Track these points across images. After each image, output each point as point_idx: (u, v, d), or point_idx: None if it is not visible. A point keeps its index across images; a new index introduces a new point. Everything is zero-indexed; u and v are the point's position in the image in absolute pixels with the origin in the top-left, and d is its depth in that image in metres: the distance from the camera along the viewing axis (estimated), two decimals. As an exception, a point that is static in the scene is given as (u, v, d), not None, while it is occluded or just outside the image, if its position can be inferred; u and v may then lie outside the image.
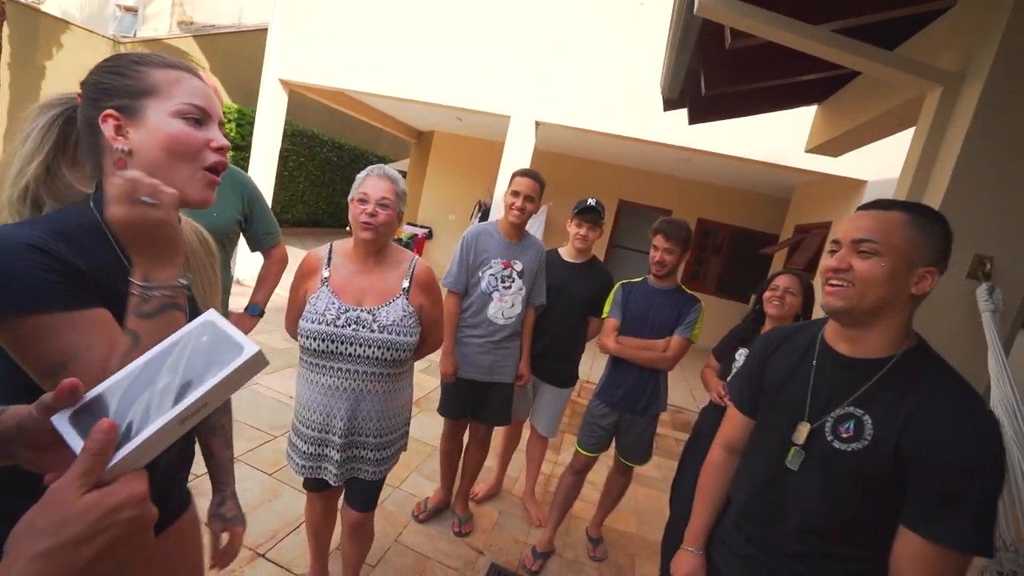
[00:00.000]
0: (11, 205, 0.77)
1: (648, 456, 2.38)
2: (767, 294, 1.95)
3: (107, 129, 0.73)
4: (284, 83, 6.11)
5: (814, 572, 0.98)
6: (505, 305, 2.26)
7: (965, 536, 0.82)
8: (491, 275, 2.26)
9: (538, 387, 2.57)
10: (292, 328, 1.64)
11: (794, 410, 1.02)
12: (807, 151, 3.45)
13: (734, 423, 1.21)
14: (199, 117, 0.77)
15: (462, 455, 2.54)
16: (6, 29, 6.14)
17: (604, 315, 2.36)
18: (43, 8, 7.49)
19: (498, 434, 2.66)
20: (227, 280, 1.87)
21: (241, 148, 7.86)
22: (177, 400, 0.49)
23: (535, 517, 2.68)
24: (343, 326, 1.49)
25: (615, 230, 8.80)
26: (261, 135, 6.20)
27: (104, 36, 8.14)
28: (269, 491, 2.41)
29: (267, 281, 2.05)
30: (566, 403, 2.62)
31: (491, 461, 2.81)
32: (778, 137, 4.78)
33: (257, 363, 0.54)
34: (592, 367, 5.67)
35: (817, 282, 1.19)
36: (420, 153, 9.69)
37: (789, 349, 1.11)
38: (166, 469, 0.92)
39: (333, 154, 11.37)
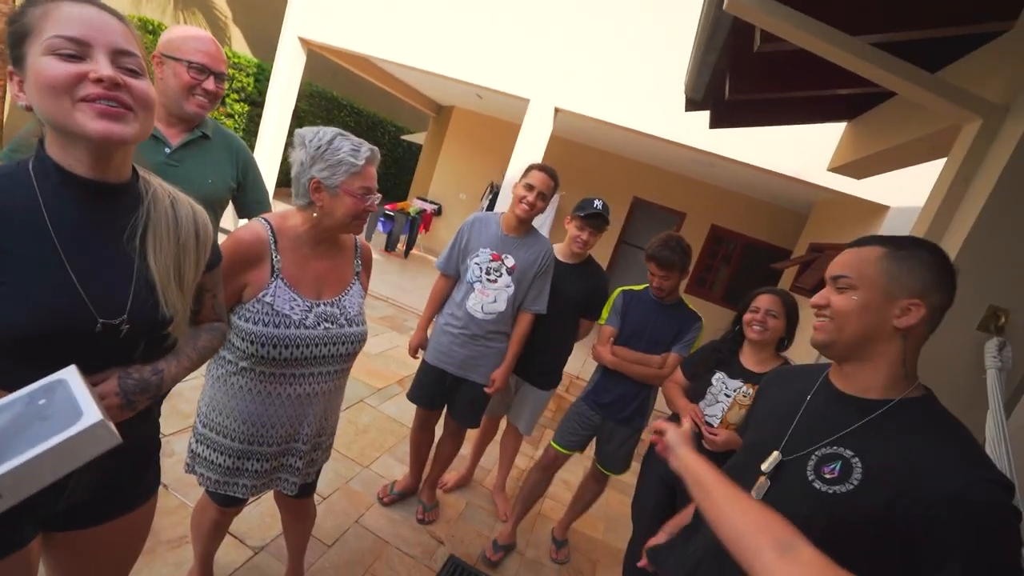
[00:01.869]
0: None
1: (627, 467, 2.32)
2: (747, 316, 1.79)
3: (13, 88, 0.73)
4: (304, 41, 5.95)
5: None
6: (486, 299, 2.16)
7: None
8: (476, 264, 2.16)
9: (520, 386, 2.50)
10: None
11: (771, 438, 0.97)
12: (830, 170, 3.31)
13: None
14: (73, 51, 0.69)
15: (434, 445, 2.48)
16: None
17: (602, 321, 2.28)
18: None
19: (474, 425, 2.60)
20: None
21: (258, 104, 7.73)
22: None
23: (502, 512, 2.64)
24: (313, 326, 1.26)
25: (626, 227, 8.63)
26: (276, 92, 6.08)
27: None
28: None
29: None
30: (547, 403, 2.55)
31: (465, 449, 2.76)
32: (803, 150, 4.61)
33: (97, 436, 0.42)
34: (584, 364, 5.60)
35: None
36: (438, 128, 9.53)
37: (791, 381, 1.09)
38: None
39: (351, 119, 11.21)
